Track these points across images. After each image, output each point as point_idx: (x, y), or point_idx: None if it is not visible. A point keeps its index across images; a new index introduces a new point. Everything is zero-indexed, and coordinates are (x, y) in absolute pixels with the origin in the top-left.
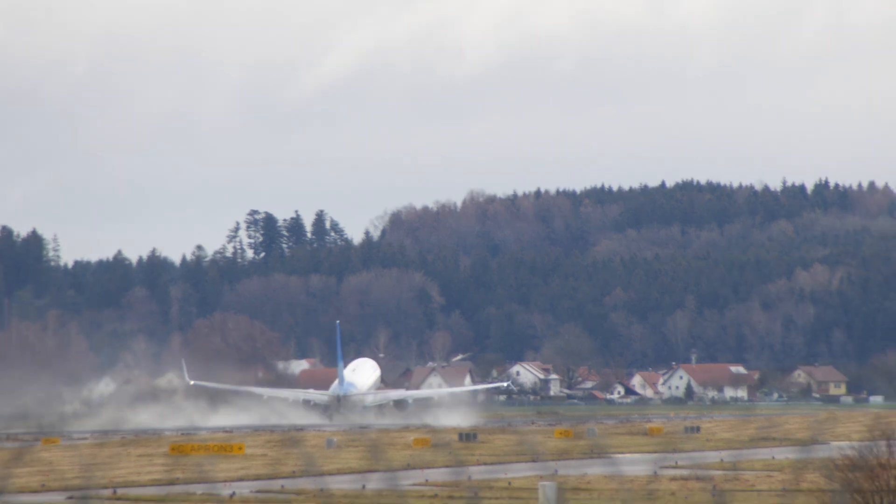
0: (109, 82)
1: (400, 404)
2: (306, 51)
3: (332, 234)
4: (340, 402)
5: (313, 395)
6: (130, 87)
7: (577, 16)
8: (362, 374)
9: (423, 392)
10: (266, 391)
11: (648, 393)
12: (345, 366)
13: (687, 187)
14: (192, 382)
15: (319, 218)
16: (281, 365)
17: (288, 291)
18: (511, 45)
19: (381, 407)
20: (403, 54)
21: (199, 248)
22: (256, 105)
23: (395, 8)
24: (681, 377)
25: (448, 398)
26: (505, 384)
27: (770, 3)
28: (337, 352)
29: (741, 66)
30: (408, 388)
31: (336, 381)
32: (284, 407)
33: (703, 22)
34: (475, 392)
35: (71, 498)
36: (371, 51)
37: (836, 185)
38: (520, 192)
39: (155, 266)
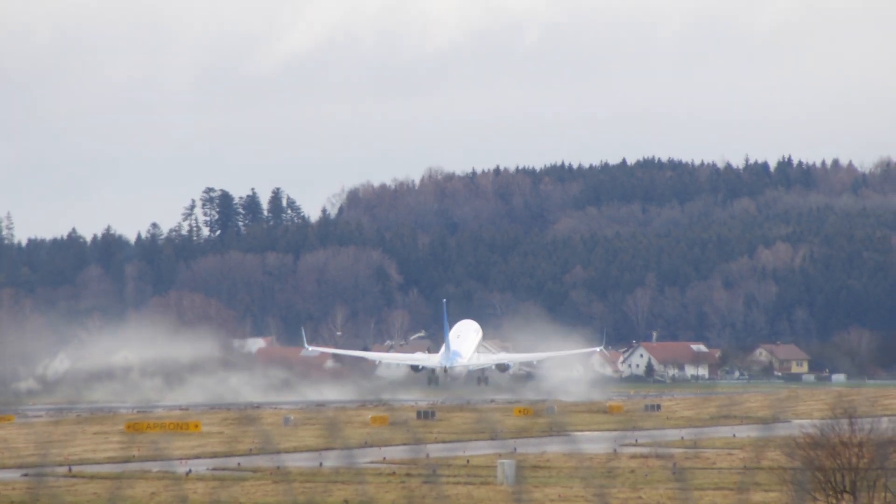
0: (68, 57)
1: (501, 367)
2: (270, 25)
3: (289, 211)
4: (447, 373)
5: (421, 358)
6: (89, 61)
7: None
8: (466, 339)
9: (523, 356)
10: (379, 356)
11: (608, 371)
12: (450, 326)
13: (648, 165)
14: (310, 348)
15: (276, 195)
16: (237, 343)
17: (244, 270)
18: (475, 21)
19: (483, 370)
20: (367, 30)
21: (155, 225)
22: (217, 80)
23: None
24: (641, 355)
25: (546, 361)
26: (598, 348)
27: None
28: (444, 326)
29: (705, 42)
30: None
31: (443, 348)
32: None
33: None
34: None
35: (26, 475)
36: (335, 26)
37: (800, 163)
38: (479, 170)
39: (109, 244)
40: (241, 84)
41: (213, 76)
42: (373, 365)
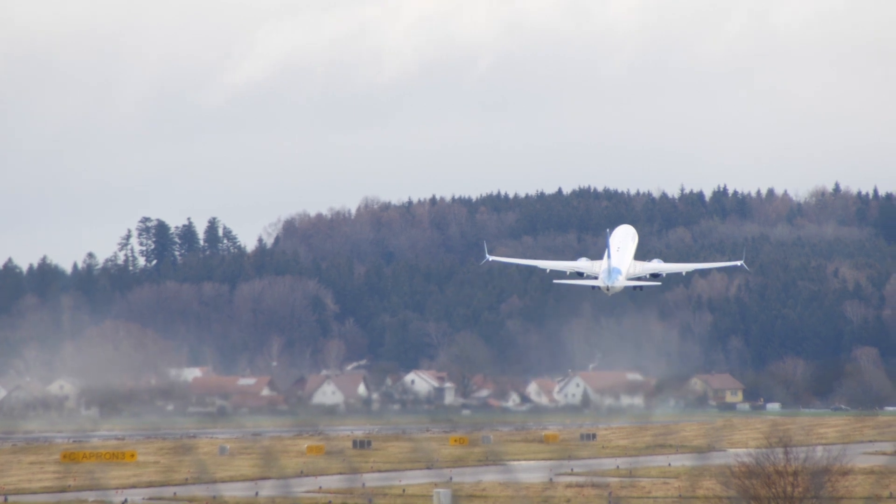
0: (11, 85)
1: (656, 277)
2: (218, 58)
3: (225, 241)
4: (609, 291)
5: (585, 266)
6: (31, 89)
7: (489, 27)
8: (625, 250)
9: (673, 266)
10: (547, 264)
11: (544, 401)
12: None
13: (584, 194)
14: (490, 258)
15: (212, 225)
16: (173, 372)
17: (180, 299)
18: (419, 55)
19: (638, 279)
20: (317, 62)
21: (91, 255)
22: (165, 111)
23: (313, 15)
24: (577, 384)
25: (692, 272)
26: (739, 262)
27: (681, 17)
28: (606, 250)
29: (644, 75)
30: (656, 260)
31: (605, 259)
32: None
33: (616, 30)
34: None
35: None
36: (284, 58)
37: (735, 193)
38: (415, 199)
39: (46, 274)
40: (192, 115)
41: (159, 107)
42: (310, 393)
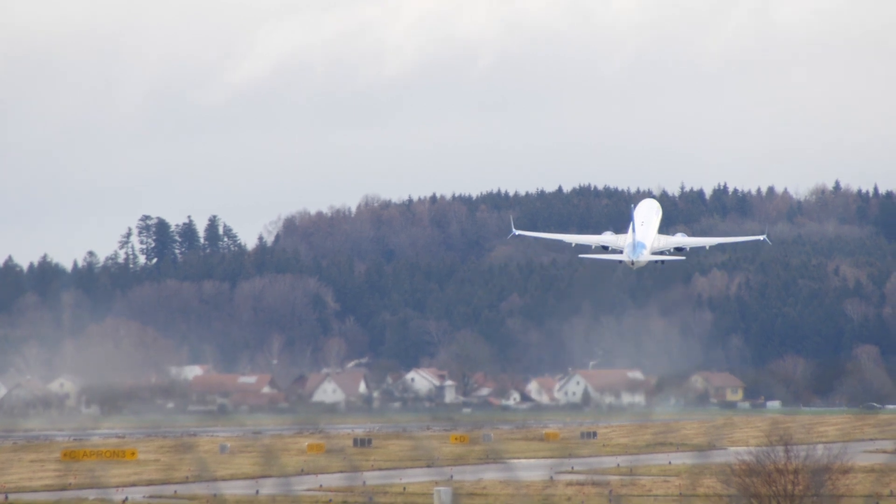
0: (12, 83)
1: (679, 251)
2: (219, 57)
3: (226, 239)
4: (633, 265)
5: (610, 240)
6: (32, 88)
7: (489, 27)
8: (650, 225)
9: (696, 240)
10: (573, 238)
11: (545, 399)
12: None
13: (584, 192)
14: (517, 233)
15: (212, 223)
16: (174, 370)
17: (180, 298)
18: (425, 54)
19: (661, 253)
20: (317, 61)
21: (91, 253)
22: (165, 111)
23: (313, 15)
24: (577, 383)
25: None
26: (762, 237)
27: (681, 17)
28: (631, 224)
29: (644, 73)
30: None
31: (630, 233)
32: None
33: (616, 29)
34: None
35: None
36: (284, 57)
37: (735, 191)
38: (415, 198)
39: (46, 272)
40: (186, 114)
41: (159, 107)
42: (310, 391)
